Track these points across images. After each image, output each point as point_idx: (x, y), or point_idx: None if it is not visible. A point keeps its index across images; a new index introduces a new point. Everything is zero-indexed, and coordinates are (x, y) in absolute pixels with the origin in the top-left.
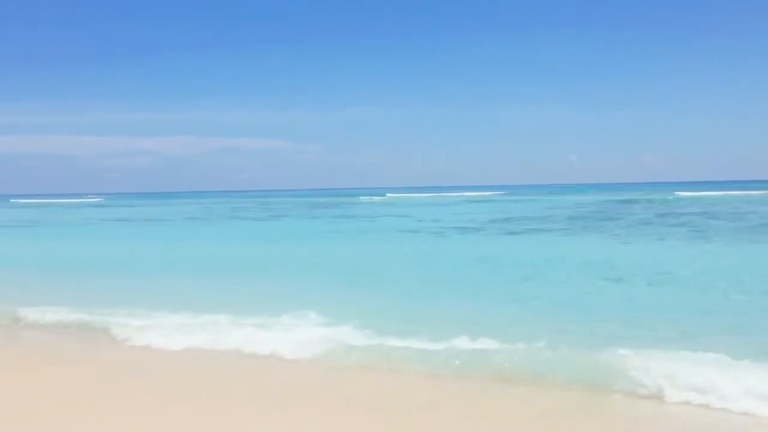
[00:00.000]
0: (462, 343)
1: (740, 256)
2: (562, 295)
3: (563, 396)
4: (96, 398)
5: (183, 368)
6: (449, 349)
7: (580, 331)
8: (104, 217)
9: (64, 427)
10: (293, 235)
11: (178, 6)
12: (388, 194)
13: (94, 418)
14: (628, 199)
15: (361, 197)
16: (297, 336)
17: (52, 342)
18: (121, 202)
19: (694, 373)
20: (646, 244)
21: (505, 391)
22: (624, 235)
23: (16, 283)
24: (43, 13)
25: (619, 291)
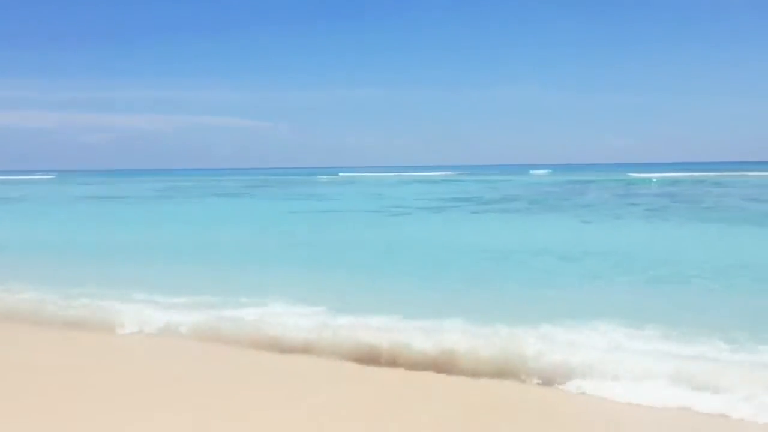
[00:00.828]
0: (382, 325)
1: (693, 235)
2: (518, 275)
3: (469, 384)
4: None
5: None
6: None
7: (522, 311)
8: (61, 194)
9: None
10: (254, 216)
11: None
12: (340, 174)
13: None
14: (589, 179)
15: (323, 176)
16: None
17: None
18: (75, 179)
19: (613, 362)
20: (604, 223)
21: (408, 379)
22: (583, 214)
23: None
24: None
25: (571, 270)
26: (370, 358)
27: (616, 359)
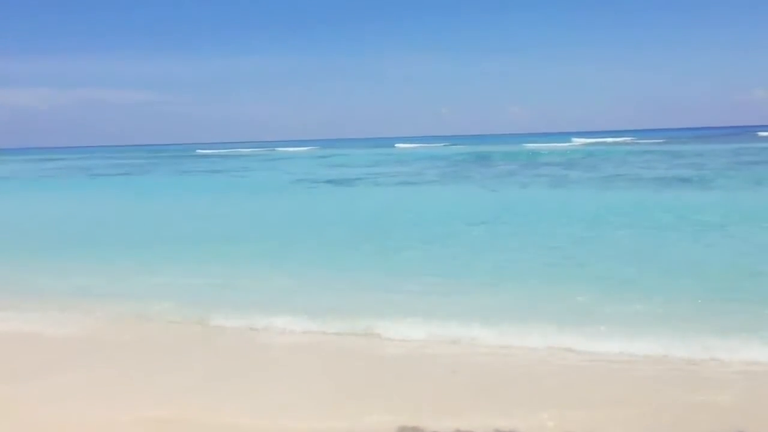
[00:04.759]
0: None
1: (591, 202)
2: (425, 237)
3: None
4: None
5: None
6: None
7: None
8: None
9: None
10: (157, 195)
11: None
12: (198, 150)
13: None
14: (495, 150)
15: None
16: None
17: None
18: None
19: None
20: (510, 191)
21: None
22: (491, 184)
23: None
24: None
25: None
26: None
27: None
